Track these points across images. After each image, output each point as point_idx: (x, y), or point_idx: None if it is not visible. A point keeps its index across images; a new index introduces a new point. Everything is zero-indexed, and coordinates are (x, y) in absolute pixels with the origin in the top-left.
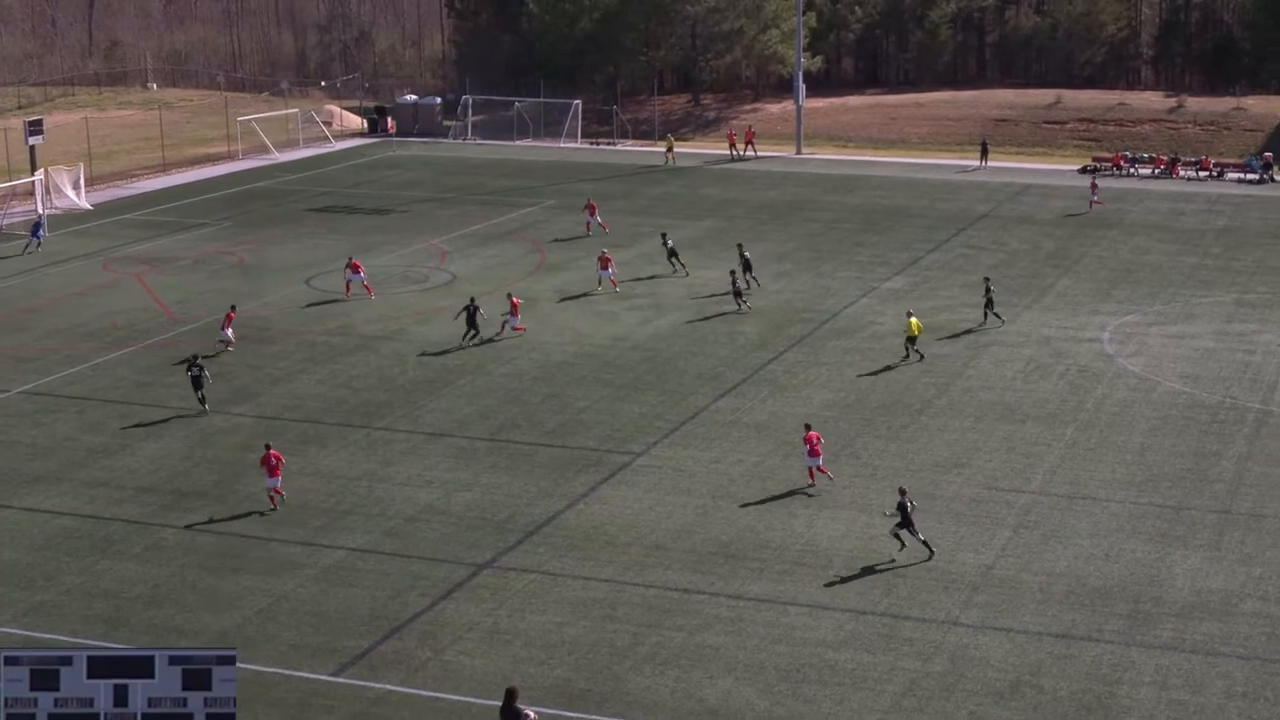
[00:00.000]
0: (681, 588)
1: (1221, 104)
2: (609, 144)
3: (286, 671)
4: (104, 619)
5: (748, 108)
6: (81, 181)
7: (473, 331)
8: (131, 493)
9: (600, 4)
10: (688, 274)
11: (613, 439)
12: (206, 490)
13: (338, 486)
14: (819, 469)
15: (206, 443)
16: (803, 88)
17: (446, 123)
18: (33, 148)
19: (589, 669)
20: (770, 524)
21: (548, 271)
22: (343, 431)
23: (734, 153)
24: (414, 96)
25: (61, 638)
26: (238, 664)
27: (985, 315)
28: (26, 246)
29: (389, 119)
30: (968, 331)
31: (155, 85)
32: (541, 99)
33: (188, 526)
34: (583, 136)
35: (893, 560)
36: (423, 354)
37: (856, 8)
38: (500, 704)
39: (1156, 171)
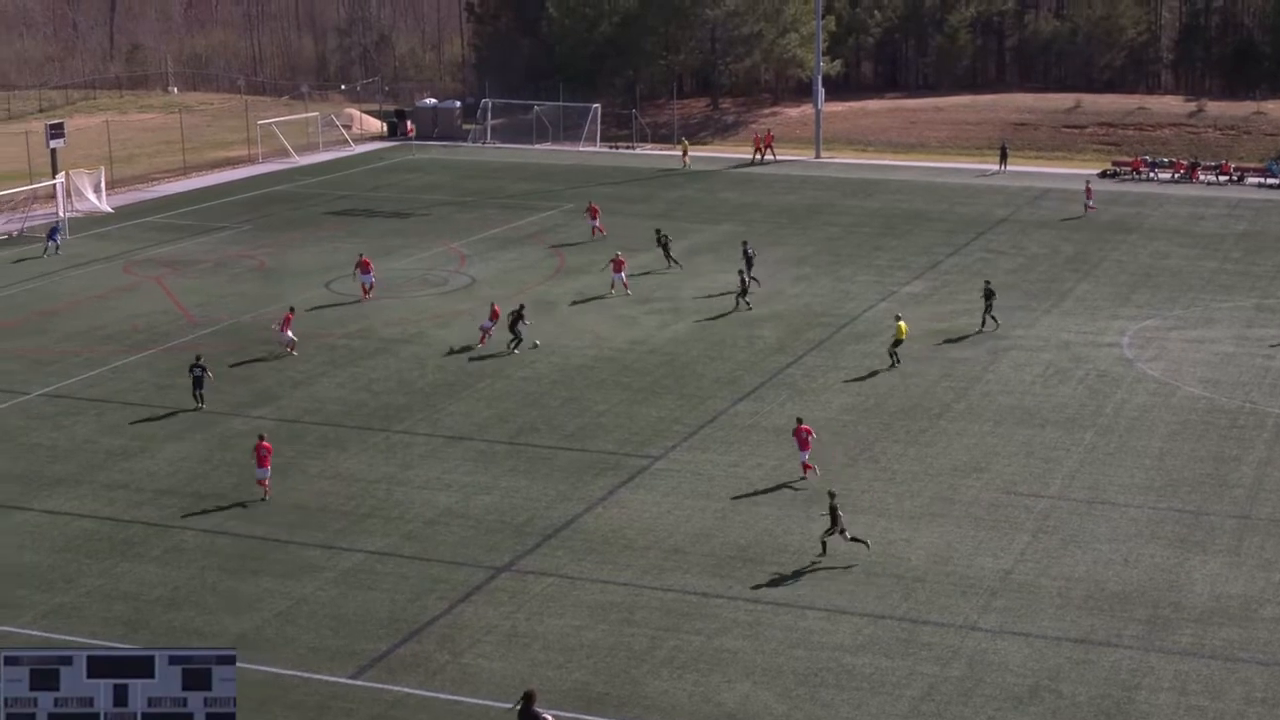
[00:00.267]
0: (700, 591)
1: (1242, 108)
2: (628, 148)
3: (305, 674)
4: (124, 621)
5: (767, 112)
6: (102, 185)
7: (516, 339)
8: (151, 495)
9: (620, 8)
10: (681, 268)
11: (631, 442)
12: (225, 493)
13: (357, 489)
14: (802, 463)
15: (226, 445)
16: (822, 92)
17: (466, 126)
18: (54, 151)
19: (607, 672)
20: (789, 528)
21: (567, 275)
22: (362, 434)
23: (756, 157)
24: (433, 100)
25: (81, 639)
26: (256, 666)
27: (983, 320)
28: (45, 250)
29: (409, 122)
30: (976, 333)
31: (176, 89)
32: (561, 103)
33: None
34: (602, 140)
35: (816, 559)
36: (451, 351)
37: (876, 12)
38: (519, 707)
39: (1176, 176)
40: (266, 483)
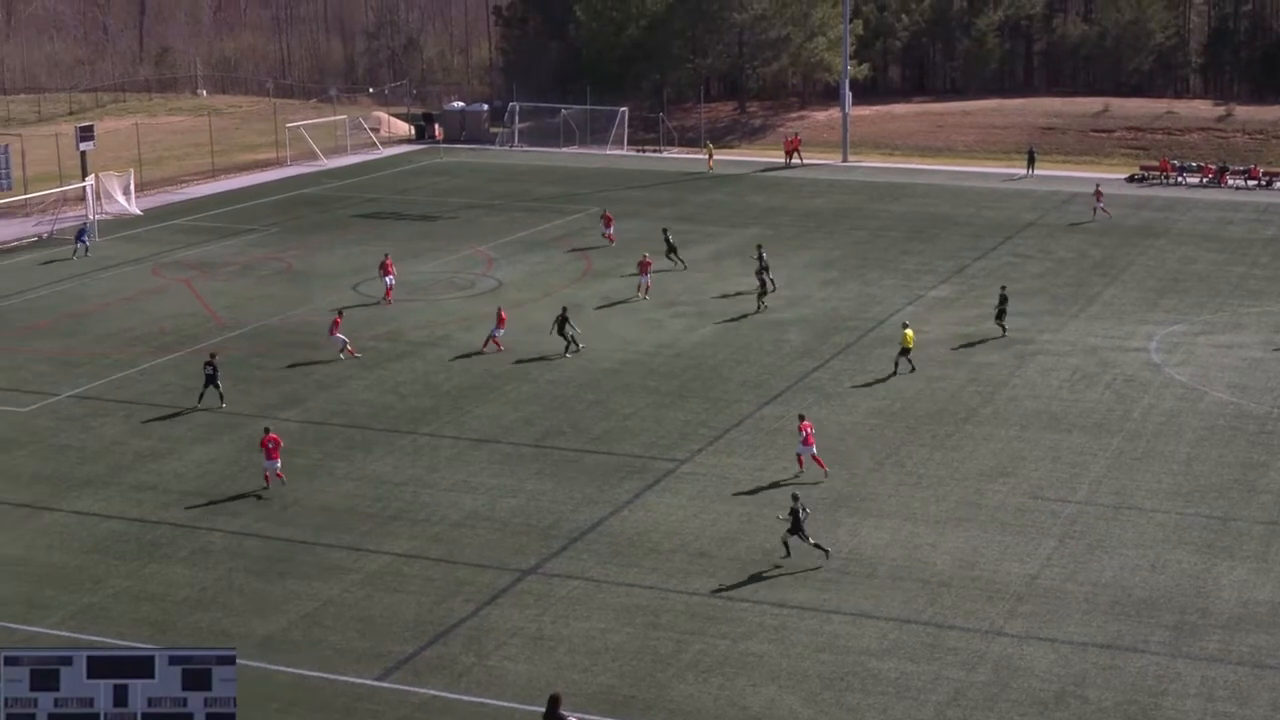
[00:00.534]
0: (725, 595)
1: (1271, 113)
2: (655, 151)
3: (332, 676)
4: (150, 622)
5: (794, 115)
6: (131, 187)
7: (570, 342)
8: (178, 496)
9: (647, 11)
10: (685, 267)
11: (657, 446)
12: (253, 494)
13: (384, 492)
14: (812, 458)
15: (253, 447)
16: (849, 95)
17: (493, 130)
18: (84, 153)
19: (632, 676)
20: (814, 532)
21: (594, 278)
22: (389, 437)
23: (787, 161)
24: (461, 103)
25: (109, 640)
26: (283, 668)
27: (1001, 327)
28: (74, 252)
29: (436, 126)
30: (999, 338)
31: (205, 92)
32: (588, 106)
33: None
34: (629, 144)
35: (778, 565)
36: (471, 355)
37: (903, 15)
38: (544, 710)
39: (1204, 181)
40: (280, 474)
